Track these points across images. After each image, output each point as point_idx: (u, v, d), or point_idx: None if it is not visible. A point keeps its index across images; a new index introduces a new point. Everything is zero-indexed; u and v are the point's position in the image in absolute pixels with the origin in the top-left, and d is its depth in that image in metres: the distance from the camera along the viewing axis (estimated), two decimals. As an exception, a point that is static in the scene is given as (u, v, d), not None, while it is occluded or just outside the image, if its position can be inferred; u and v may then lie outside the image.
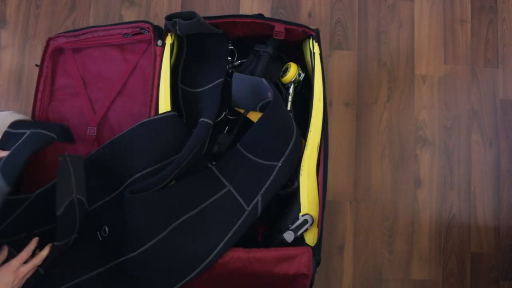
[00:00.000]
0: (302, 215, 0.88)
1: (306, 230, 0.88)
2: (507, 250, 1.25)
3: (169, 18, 0.90)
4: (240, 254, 0.83)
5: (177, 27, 0.90)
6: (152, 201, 0.82)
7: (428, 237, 1.23)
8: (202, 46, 1.00)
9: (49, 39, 1.08)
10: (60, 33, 1.09)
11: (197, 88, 0.98)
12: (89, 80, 1.09)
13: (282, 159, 0.89)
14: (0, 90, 1.23)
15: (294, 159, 0.90)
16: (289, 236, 0.87)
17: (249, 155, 0.92)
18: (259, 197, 0.88)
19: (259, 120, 0.91)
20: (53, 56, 1.08)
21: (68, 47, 1.09)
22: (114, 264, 0.82)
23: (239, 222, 0.85)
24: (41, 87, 1.07)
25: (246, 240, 1.01)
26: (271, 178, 0.88)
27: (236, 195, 0.88)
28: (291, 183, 0.98)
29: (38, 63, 1.08)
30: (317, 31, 0.98)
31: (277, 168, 0.89)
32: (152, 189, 0.82)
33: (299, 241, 0.89)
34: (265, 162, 0.90)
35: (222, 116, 0.98)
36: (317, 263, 0.87)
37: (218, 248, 0.82)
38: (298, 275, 0.84)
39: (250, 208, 0.87)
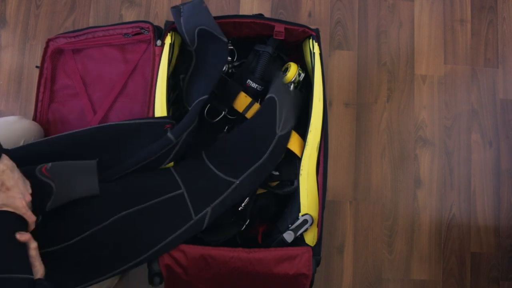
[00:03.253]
0: (302, 215, 0.88)
1: (306, 230, 0.88)
2: (507, 250, 1.25)
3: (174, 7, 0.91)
4: (240, 254, 0.83)
5: (181, 15, 0.90)
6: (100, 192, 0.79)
7: (428, 237, 1.23)
8: (204, 55, 0.98)
9: (49, 40, 1.08)
10: (60, 33, 1.09)
11: (188, 106, 0.97)
12: (90, 81, 1.09)
13: (241, 178, 0.87)
14: (0, 90, 1.23)
15: (256, 180, 0.88)
16: (289, 236, 0.87)
17: (210, 165, 0.90)
18: (208, 210, 0.85)
19: (230, 133, 0.91)
20: (53, 57, 1.08)
21: (68, 48, 1.09)
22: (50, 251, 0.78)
23: (182, 229, 0.82)
24: (41, 89, 1.07)
25: (246, 240, 1.02)
26: (225, 194, 0.86)
27: (188, 200, 0.85)
28: (291, 183, 0.98)
29: (38, 63, 1.08)
30: (317, 31, 0.98)
31: (233, 185, 0.87)
32: (108, 180, 0.81)
33: (299, 241, 0.89)
34: (224, 177, 0.88)
35: (222, 115, 0.98)
36: (317, 263, 0.87)
37: (154, 249, 0.80)
38: (298, 275, 0.84)
39: (196, 218, 0.84)
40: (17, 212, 0.69)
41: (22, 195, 0.70)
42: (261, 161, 0.88)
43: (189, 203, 0.85)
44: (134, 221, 0.80)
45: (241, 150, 0.90)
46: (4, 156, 0.68)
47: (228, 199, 0.87)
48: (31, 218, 0.71)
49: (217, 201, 0.86)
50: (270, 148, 0.88)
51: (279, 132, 0.89)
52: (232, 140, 0.91)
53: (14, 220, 0.69)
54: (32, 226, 0.72)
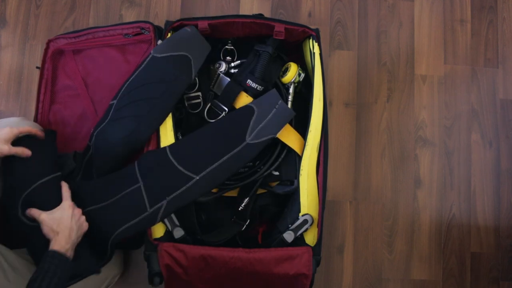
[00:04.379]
0: (302, 215, 0.88)
1: (306, 230, 0.88)
2: (507, 250, 1.25)
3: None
4: (240, 254, 0.83)
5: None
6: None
7: (428, 237, 1.23)
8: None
9: (49, 41, 1.07)
10: (60, 34, 1.08)
11: None
12: (91, 82, 1.08)
13: (201, 174, 0.88)
14: (0, 90, 1.23)
15: (216, 179, 0.89)
16: (289, 236, 0.87)
17: (171, 159, 0.90)
18: (164, 203, 0.86)
19: (197, 130, 0.92)
20: (54, 58, 1.08)
21: (69, 49, 1.08)
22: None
23: (135, 220, 0.86)
24: (42, 90, 1.07)
25: (246, 240, 1.02)
26: (183, 188, 0.87)
27: (144, 193, 0.88)
28: (291, 183, 0.98)
29: (38, 63, 1.08)
30: (317, 31, 0.98)
31: (192, 181, 0.88)
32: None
33: (299, 241, 0.89)
34: (183, 171, 0.89)
35: (222, 115, 0.98)
36: (317, 263, 0.87)
37: (111, 237, 0.86)
38: (298, 275, 0.84)
39: (151, 210, 0.86)
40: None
41: None
42: (220, 161, 0.89)
43: (144, 196, 0.88)
44: (95, 217, 0.86)
45: (205, 147, 0.91)
46: None
47: (186, 194, 0.88)
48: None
49: (173, 194, 0.87)
50: (234, 152, 0.89)
51: (248, 140, 0.90)
52: (197, 136, 0.93)
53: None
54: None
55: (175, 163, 0.89)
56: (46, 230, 0.78)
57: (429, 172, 1.26)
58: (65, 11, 1.26)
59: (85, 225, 0.83)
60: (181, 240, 0.87)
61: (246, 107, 0.93)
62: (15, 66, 1.24)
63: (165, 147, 0.92)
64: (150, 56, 0.94)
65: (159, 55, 0.93)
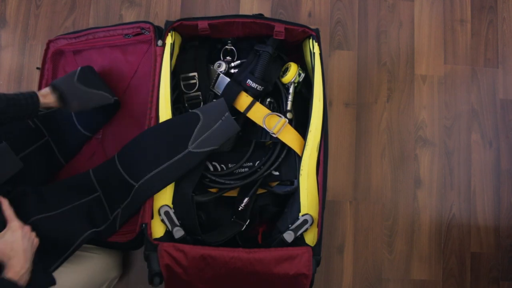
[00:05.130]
0: (302, 215, 0.88)
1: (306, 230, 0.88)
2: (507, 250, 1.25)
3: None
4: (240, 254, 0.83)
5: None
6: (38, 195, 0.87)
7: (428, 237, 1.23)
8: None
9: (49, 41, 1.07)
10: (60, 34, 1.08)
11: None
12: (91, 82, 1.09)
13: (140, 182, 0.88)
14: (0, 90, 1.23)
15: (155, 186, 0.88)
16: (289, 236, 0.87)
17: (119, 166, 0.92)
18: (119, 210, 0.90)
19: (140, 133, 0.92)
20: (54, 58, 1.08)
21: (69, 49, 1.08)
22: None
23: (100, 228, 0.89)
24: (42, 90, 1.07)
25: (246, 240, 1.02)
26: (129, 198, 0.90)
27: (104, 202, 0.91)
28: (291, 183, 0.98)
29: (38, 63, 1.08)
30: (317, 31, 0.98)
31: (134, 189, 0.89)
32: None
33: (299, 241, 0.89)
34: (128, 179, 0.90)
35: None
36: (317, 263, 0.87)
37: (72, 247, 0.85)
38: (298, 275, 0.84)
39: (112, 217, 0.90)
40: None
41: None
42: (160, 168, 0.88)
43: (105, 204, 0.90)
44: (46, 225, 0.84)
45: (147, 153, 0.91)
46: None
47: (133, 201, 0.90)
48: None
49: (125, 202, 0.90)
50: (174, 159, 0.88)
51: (191, 148, 0.89)
52: (142, 140, 0.92)
53: None
54: None
55: (122, 171, 0.91)
56: None
57: (429, 172, 1.26)
58: (65, 11, 1.26)
59: (36, 241, 0.79)
60: (181, 240, 0.87)
61: (193, 114, 0.91)
62: (15, 66, 1.24)
63: (114, 155, 0.93)
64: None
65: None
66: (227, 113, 0.91)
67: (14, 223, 0.77)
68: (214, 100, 0.98)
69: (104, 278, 0.95)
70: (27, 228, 0.78)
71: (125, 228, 0.96)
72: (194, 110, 0.92)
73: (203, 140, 0.89)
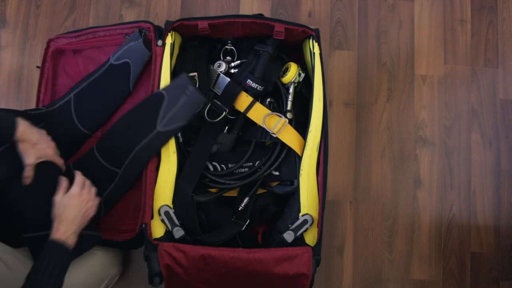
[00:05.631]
0: (302, 215, 0.88)
1: (306, 230, 0.88)
2: (507, 250, 1.25)
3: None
4: (240, 254, 0.83)
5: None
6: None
7: (428, 237, 1.23)
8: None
9: (50, 40, 1.07)
10: (60, 34, 1.09)
11: None
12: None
13: (123, 167, 0.92)
14: (0, 90, 1.23)
15: (135, 169, 0.92)
16: (289, 236, 0.87)
17: (98, 156, 0.94)
18: (102, 200, 0.91)
19: (115, 122, 0.95)
20: (54, 57, 1.08)
21: (69, 48, 1.09)
22: None
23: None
24: (42, 89, 1.07)
25: (246, 240, 1.02)
26: (112, 185, 0.93)
27: None
28: (291, 183, 0.98)
29: (38, 63, 1.08)
30: (317, 31, 0.98)
31: (119, 175, 0.92)
32: None
33: (299, 241, 0.89)
34: (110, 167, 0.93)
35: (223, 115, 0.98)
36: (317, 263, 0.87)
37: None
38: (298, 275, 0.84)
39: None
40: (50, 159, 0.85)
41: (47, 144, 0.84)
42: (134, 152, 0.91)
43: None
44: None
45: (120, 139, 0.93)
46: (19, 118, 0.79)
47: (116, 189, 0.93)
48: (60, 161, 0.88)
49: (107, 191, 0.93)
50: (146, 141, 0.90)
51: (159, 127, 0.90)
52: (113, 129, 0.95)
53: (53, 168, 0.86)
54: (63, 167, 0.90)
55: (102, 161, 0.94)
56: (53, 212, 0.80)
57: (429, 172, 1.26)
58: (65, 11, 1.26)
59: (90, 212, 0.84)
60: (181, 240, 0.87)
61: (157, 94, 0.92)
62: (15, 66, 1.24)
63: (93, 147, 0.96)
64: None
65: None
66: (190, 87, 0.91)
67: (74, 188, 0.83)
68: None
69: (105, 274, 0.95)
70: (85, 198, 0.83)
71: (125, 227, 0.96)
72: (159, 90, 0.93)
73: (170, 118, 0.90)
